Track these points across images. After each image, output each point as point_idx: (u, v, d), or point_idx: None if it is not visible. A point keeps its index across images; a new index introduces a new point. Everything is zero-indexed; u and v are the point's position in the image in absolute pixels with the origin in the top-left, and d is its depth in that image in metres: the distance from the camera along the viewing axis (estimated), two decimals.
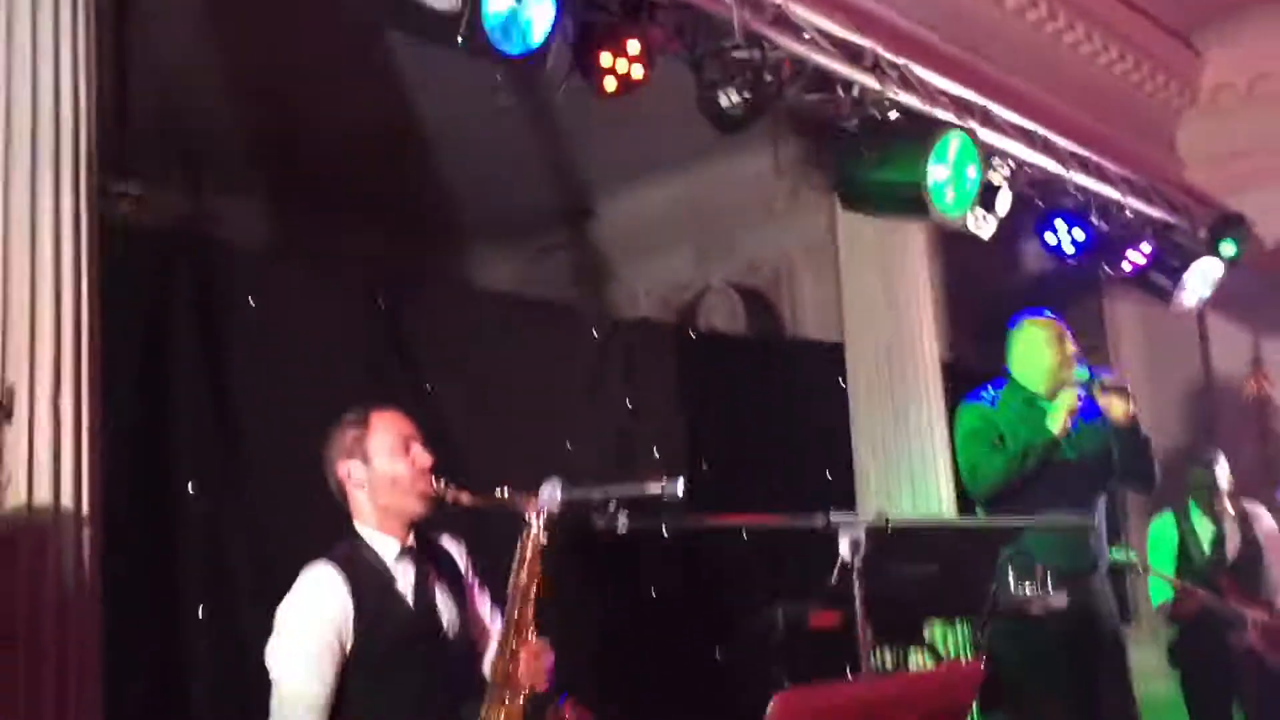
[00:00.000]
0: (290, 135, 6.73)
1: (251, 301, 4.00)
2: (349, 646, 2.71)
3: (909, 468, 5.19)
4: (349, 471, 2.84)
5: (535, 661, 2.70)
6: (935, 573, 2.79)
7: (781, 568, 4.59)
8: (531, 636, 2.72)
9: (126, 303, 3.46)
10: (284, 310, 4.07)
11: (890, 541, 2.80)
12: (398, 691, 2.73)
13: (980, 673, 2.29)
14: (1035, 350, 4.18)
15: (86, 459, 2.74)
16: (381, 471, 2.82)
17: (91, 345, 2.86)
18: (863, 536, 2.48)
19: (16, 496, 2.60)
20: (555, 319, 5.14)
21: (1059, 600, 3.16)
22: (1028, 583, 3.14)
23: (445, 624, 2.84)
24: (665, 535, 2.65)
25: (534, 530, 2.73)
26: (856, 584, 2.46)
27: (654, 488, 2.52)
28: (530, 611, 2.73)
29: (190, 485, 3.72)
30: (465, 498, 2.77)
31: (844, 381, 5.55)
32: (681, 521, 2.87)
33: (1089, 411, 4.10)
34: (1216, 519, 5.36)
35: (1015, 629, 3.35)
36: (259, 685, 2.79)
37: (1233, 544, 5.33)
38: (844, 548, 2.49)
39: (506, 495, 2.77)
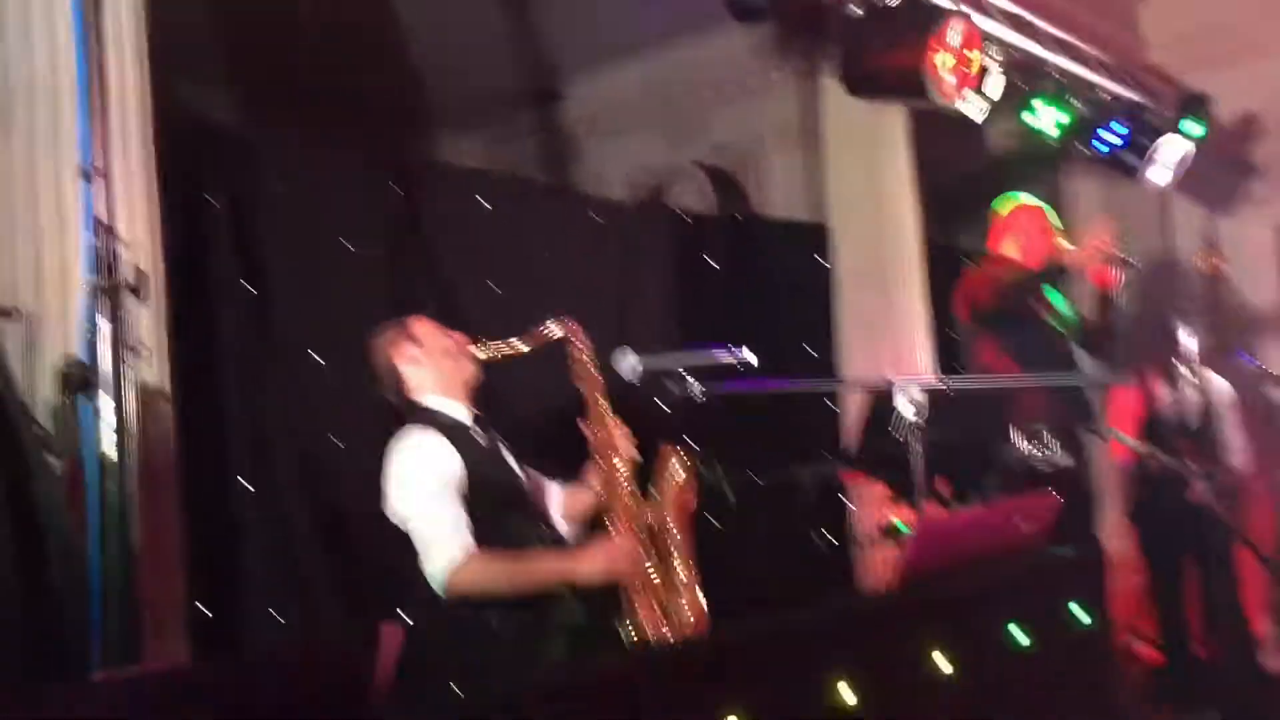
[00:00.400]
0: (257, 24, 6.69)
1: (280, 187, 4.12)
2: (464, 490, 2.91)
3: (894, 345, 5.44)
4: (404, 353, 3.08)
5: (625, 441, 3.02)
6: (951, 434, 3.02)
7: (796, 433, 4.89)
8: (614, 426, 3.02)
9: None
10: (310, 195, 4.20)
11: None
12: (506, 533, 2.94)
13: (1058, 503, 2.59)
14: (1025, 230, 4.42)
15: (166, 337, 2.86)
16: (433, 345, 3.08)
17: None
18: (922, 396, 2.71)
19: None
20: (558, 201, 5.27)
21: (1065, 459, 3.44)
22: (1034, 443, 3.40)
23: (524, 485, 3.10)
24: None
25: (580, 349, 3.02)
26: (915, 441, 2.70)
27: (725, 356, 2.72)
28: (608, 413, 3.02)
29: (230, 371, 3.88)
30: (512, 345, 3.05)
31: (824, 261, 5.78)
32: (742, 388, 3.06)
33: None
34: (1179, 386, 5.69)
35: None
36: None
37: (1193, 410, 5.68)
38: (903, 406, 2.71)
39: (547, 329, 3.03)
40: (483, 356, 3.09)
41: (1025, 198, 4.52)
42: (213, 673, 1.47)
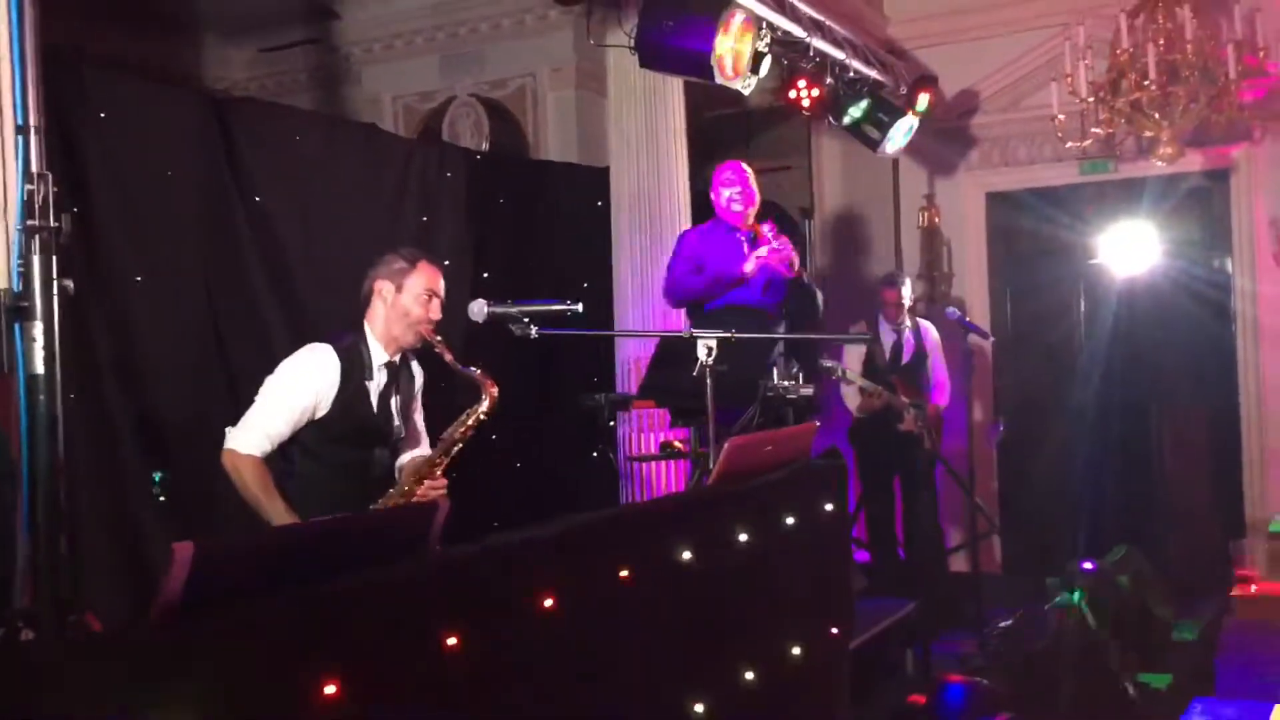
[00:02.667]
0: None
1: (102, 114, 4.30)
2: (318, 413, 3.44)
3: (659, 281, 6.06)
4: (382, 289, 3.53)
5: (432, 492, 3.50)
6: (727, 371, 3.69)
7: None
8: (439, 474, 3.52)
9: None
10: (131, 123, 4.40)
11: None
12: (333, 461, 3.49)
13: (815, 428, 3.34)
14: (732, 196, 5.17)
15: None
16: (404, 304, 3.52)
17: None
18: (715, 344, 3.37)
19: None
20: (366, 139, 5.59)
21: (807, 389, 4.19)
22: (786, 379, 4.13)
23: (392, 428, 3.61)
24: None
25: (483, 407, 3.50)
26: (709, 381, 3.35)
27: (559, 306, 3.29)
28: (446, 461, 3.54)
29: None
30: (448, 357, 3.49)
31: (599, 203, 6.36)
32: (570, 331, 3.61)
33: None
34: (898, 329, 6.61)
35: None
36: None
37: (908, 350, 6.62)
38: (702, 352, 3.37)
39: (478, 373, 3.50)
40: (426, 341, 3.53)
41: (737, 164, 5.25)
42: (309, 533, 1.90)
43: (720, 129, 8.58)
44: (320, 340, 3.55)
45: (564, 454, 5.95)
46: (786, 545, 2.89)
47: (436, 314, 3.57)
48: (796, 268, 5.08)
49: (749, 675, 2.61)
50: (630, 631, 2.21)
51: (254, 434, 3.40)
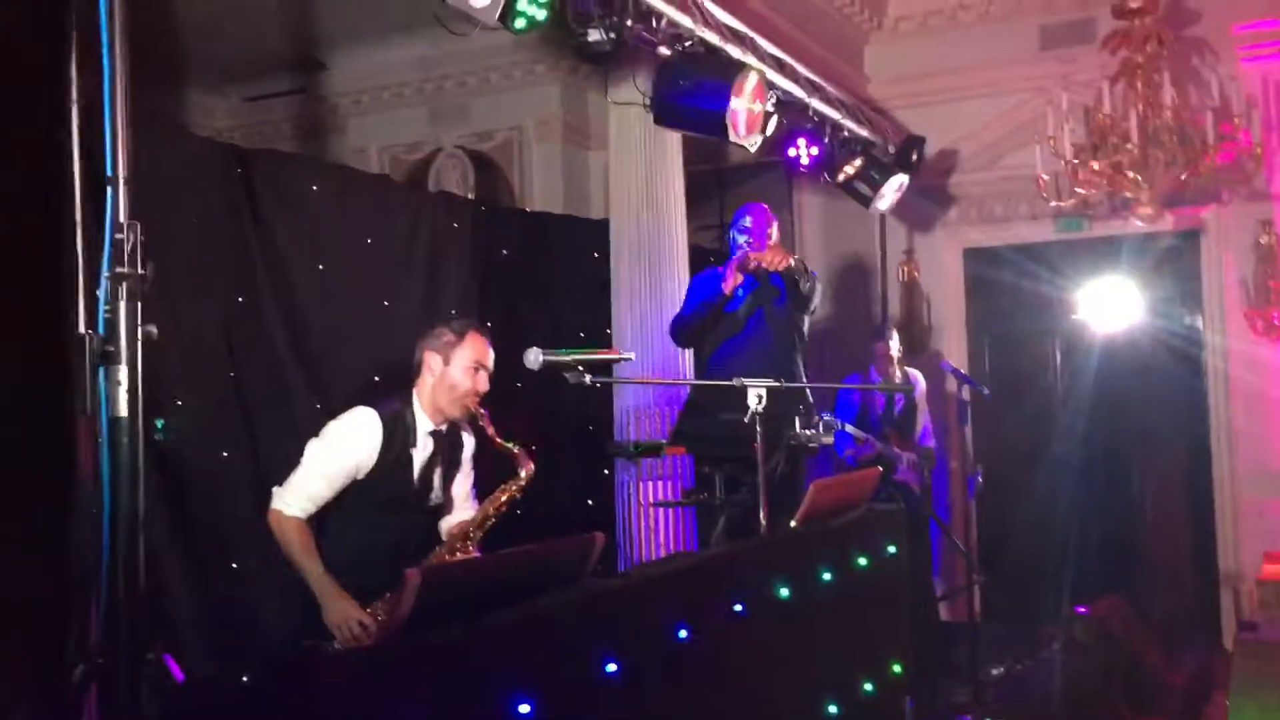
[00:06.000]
0: None
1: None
2: (358, 477, 3.48)
3: (658, 331, 6.16)
4: (430, 362, 3.60)
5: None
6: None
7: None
8: (472, 547, 3.60)
9: None
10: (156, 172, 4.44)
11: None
12: (372, 524, 3.55)
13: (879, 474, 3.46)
14: (744, 226, 5.26)
15: None
16: (452, 378, 3.59)
17: None
18: (765, 392, 3.48)
19: None
20: (380, 190, 5.67)
21: (827, 439, 4.30)
22: (809, 429, 4.23)
23: (432, 497, 3.69)
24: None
25: (520, 483, 3.58)
26: (759, 426, 3.46)
27: (610, 356, 3.39)
28: (480, 534, 3.61)
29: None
30: (489, 430, 3.57)
31: (597, 255, 6.47)
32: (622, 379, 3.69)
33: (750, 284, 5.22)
34: (888, 382, 6.75)
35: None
36: None
37: (899, 403, 6.76)
38: (752, 399, 3.48)
39: (517, 450, 3.58)
40: (470, 412, 3.60)
41: (757, 206, 5.37)
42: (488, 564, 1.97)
43: (696, 185, 8.76)
44: (364, 404, 3.60)
45: (561, 498, 5.99)
46: (859, 584, 3.00)
47: (484, 386, 3.62)
48: (781, 263, 5.06)
49: (831, 709, 2.71)
50: (743, 659, 2.30)
51: (297, 496, 3.47)
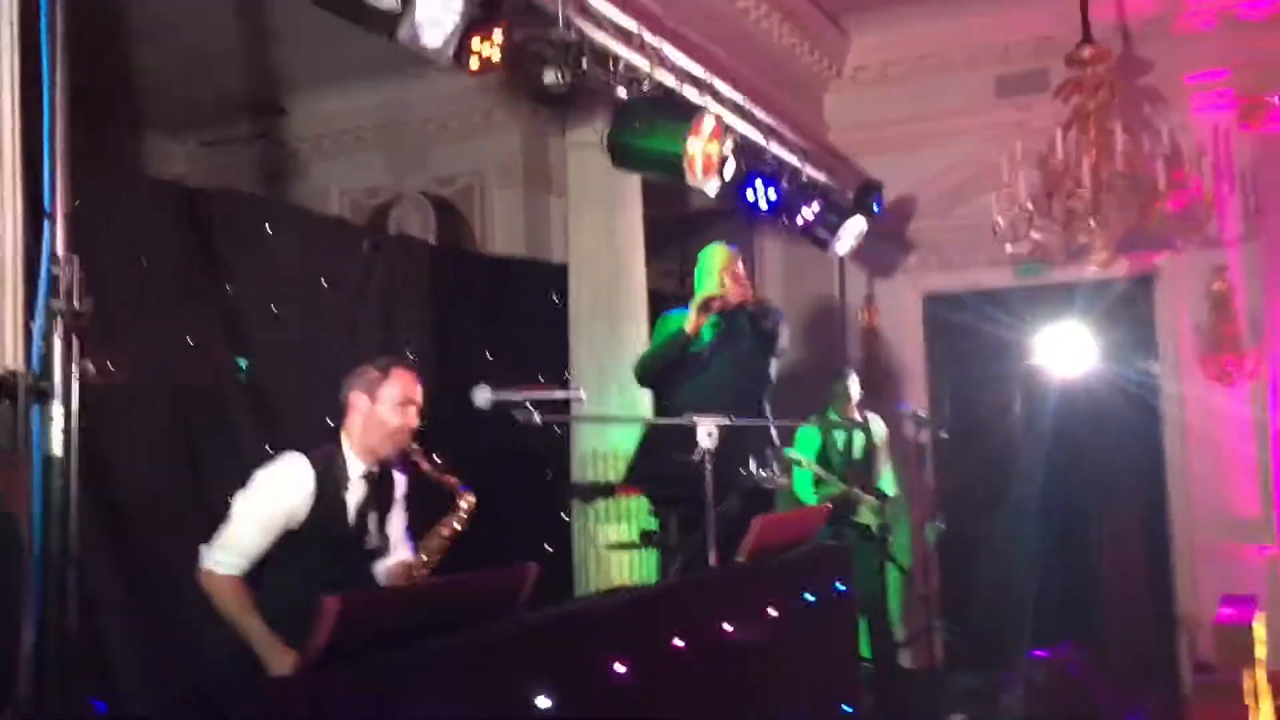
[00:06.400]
0: None
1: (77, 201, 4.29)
2: (293, 526, 3.39)
3: (618, 375, 6.14)
4: (357, 401, 3.50)
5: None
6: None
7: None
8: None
9: None
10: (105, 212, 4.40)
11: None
12: (310, 573, 3.38)
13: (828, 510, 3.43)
14: (707, 266, 5.23)
15: None
16: (380, 414, 3.49)
17: None
18: (716, 430, 3.44)
19: None
20: (335, 231, 5.64)
21: (784, 480, 4.27)
22: (764, 468, 4.20)
23: (368, 539, 3.59)
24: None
25: (460, 515, 3.57)
26: (709, 464, 3.42)
27: (561, 394, 3.34)
28: (428, 569, 3.57)
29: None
30: (424, 465, 3.53)
31: (556, 299, 6.46)
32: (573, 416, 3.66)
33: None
34: (848, 424, 6.75)
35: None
36: None
37: (857, 444, 6.75)
38: (702, 437, 3.44)
39: (454, 481, 3.57)
40: (404, 449, 3.55)
41: (719, 243, 5.33)
42: (425, 593, 1.91)
43: (659, 231, 8.77)
44: (295, 449, 3.50)
45: (520, 541, 5.93)
46: (806, 621, 2.96)
47: (414, 422, 3.53)
48: (739, 295, 5.05)
49: None
50: (683, 697, 2.26)
51: (229, 552, 3.34)
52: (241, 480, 3.86)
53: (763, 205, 6.08)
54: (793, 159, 6.28)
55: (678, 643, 2.18)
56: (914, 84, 8.09)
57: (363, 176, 8.92)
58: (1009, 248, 6.71)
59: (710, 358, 5.12)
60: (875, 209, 6.83)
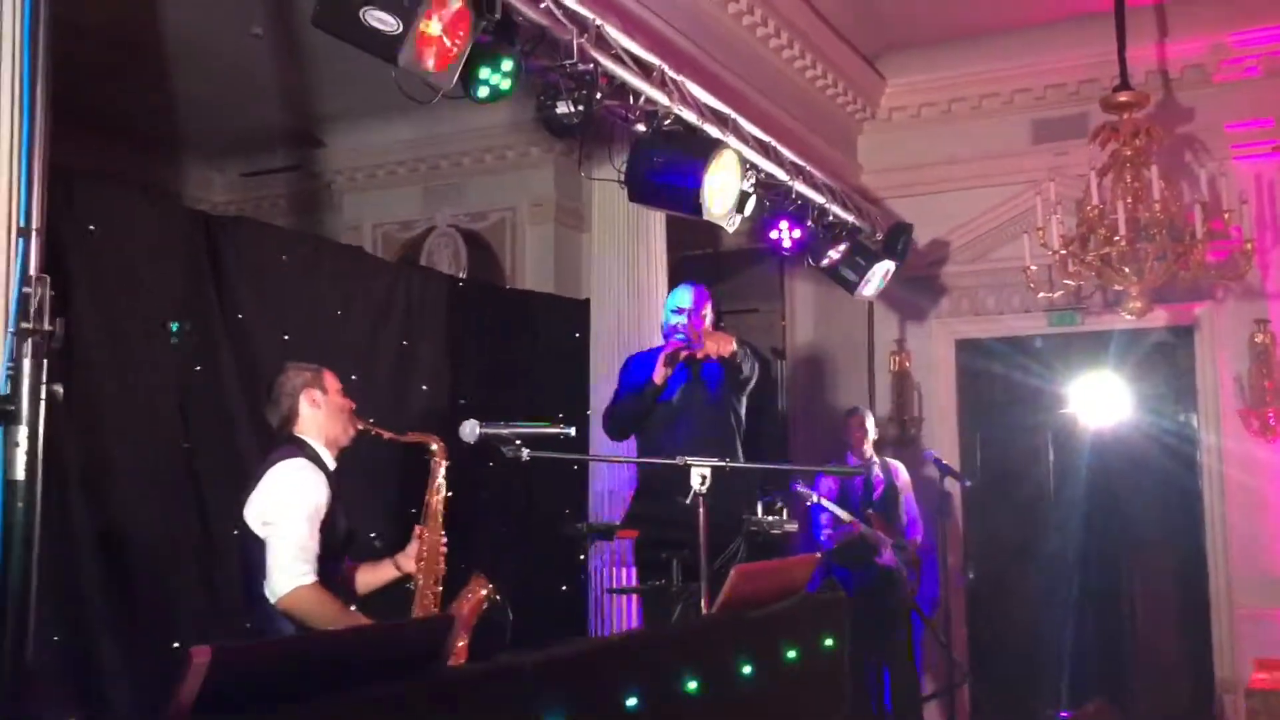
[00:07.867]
0: None
1: (90, 226, 4.30)
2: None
3: None
4: (312, 395, 3.55)
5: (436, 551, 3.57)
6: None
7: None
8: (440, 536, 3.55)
9: None
10: (118, 235, 4.40)
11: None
12: (326, 570, 3.40)
13: (815, 560, 3.32)
14: (674, 309, 5.16)
15: None
16: (335, 401, 3.56)
17: None
18: (709, 473, 3.34)
19: None
20: (352, 261, 5.61)
21: (791, 525, 4.15)
22: (770, 514, 4.09)
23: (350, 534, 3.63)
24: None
25: (441, 466, 3.54)
26: (701, 505, 3.32)
27: (552, 430, 3.26)
28: (439, 526, 3.55)
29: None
30: (386, 435, 3.55)
31: (578, 334, 6.40)
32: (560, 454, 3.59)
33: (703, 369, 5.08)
34: (866, 465, 6.62)
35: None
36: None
37: (878, 487, 6.62)
38: (695, 480, 3.34)
39: (416, 435, 3.62)
40: (360, 428, 3.62)
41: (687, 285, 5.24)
42: (309, 644, 1.82)
43: (691, 270, 8.71)
44: (281, 459, 3.48)
45: (537, 583, 5.85)
46: (788, 679, 2.83)
47: (350, 405, 3.65)
48: (725, 350, 4.98)
49: None
50: None
51: (306, 563, 3.31)
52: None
53: (787, 244, 6.00)
54: (819, 198, 6.18)
55: (631, 703, 2.06)
56: (949, 127, 8.00)
57: (397, 210, 8.94)
58: (1041, 294, 6.57)
59: (681, 405, 5.04)
60: (902, 252, 6.69)
